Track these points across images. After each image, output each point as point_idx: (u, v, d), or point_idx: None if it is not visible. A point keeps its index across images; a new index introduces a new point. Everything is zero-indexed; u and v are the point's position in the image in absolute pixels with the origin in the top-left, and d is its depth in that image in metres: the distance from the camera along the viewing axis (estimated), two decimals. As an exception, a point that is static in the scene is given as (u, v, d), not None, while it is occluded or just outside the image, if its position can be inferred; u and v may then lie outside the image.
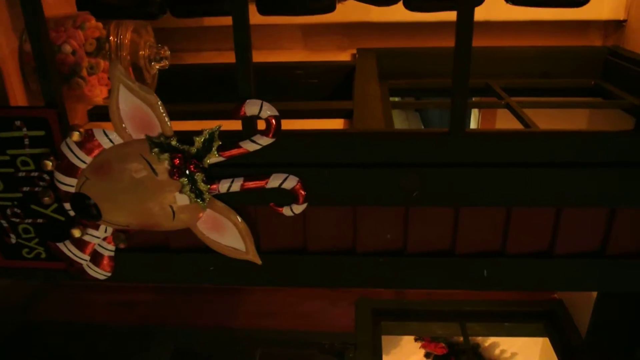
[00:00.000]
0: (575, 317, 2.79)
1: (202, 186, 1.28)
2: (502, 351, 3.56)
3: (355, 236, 1.41)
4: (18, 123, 1.30)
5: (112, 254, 1.43)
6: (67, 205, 1.36)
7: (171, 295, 3.06)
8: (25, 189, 1.38)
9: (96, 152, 1.29)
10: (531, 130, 1.43)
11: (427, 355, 3.59)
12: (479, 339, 3.52)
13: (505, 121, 2.07)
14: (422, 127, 3.52)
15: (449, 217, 1.37)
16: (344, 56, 2.27)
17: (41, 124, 1.30)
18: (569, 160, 1.23)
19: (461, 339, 3.16)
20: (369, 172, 1.28)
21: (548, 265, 1.38)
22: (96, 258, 1.43)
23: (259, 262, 1.38)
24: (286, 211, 1.32)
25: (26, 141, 1.32)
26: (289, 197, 1.29)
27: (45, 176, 1.35)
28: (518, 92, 2.05)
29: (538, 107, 1.93)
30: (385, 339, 3.00)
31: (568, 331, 2.76)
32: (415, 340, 3.59)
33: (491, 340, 3.55)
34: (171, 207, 1.32)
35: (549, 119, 1.85)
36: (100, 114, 1.74)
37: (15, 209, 1.40)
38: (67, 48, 1.51)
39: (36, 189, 1.37)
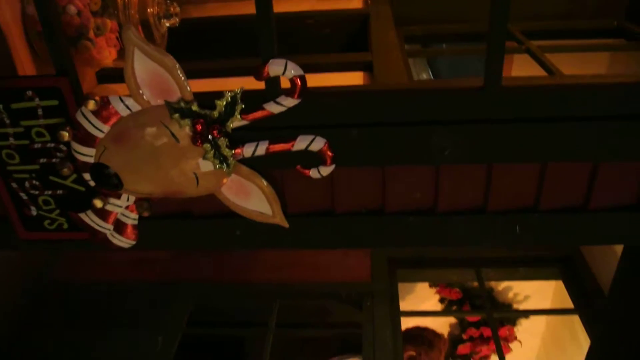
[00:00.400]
0: (592, 264, 2.79)
1: (226, 151, 1.23)
2: (516, 294, 3.61)
3: (383, 196, 1.37)
4: (29, 93, 1.24)
5: (136, 222, 1.40)
6: (87, 176, 1.32)
7: (189, 251, 3.07)
8: (42, 160, 1.33)
9: (113, 120, 1.24)
10: (576, 82, 1.32)
11: (441, 300, 3.64)
12: (493, 283, 3.56)
13: (525, 67, 1.99)
14: (430, 73, 3.42)
15: (481, 174, 1.33)
16: (355, 3, 2.17)
17: (54, 93, 1.24)
18: (611, 114, 1.17)
19: (476, 284, 3.19)
20: (398, 130, 1.23)
21: (583, 219, 1.35)
22: (120, 227, 1.40)
23: (286, 225, 1.34)
24: (313, 173, 1.28)
25: (39, 111, 1.27)
26: (316, 159, 1.25)
27: (62, 147, 1.30)
28: (536, 35, 1.96)
29: (559, 52, 1.85)
30: (401, 286, 3.02)
31: (583, 275, 2.78)
32: (430, 286, 3.64)
33: (505, 284, 3.59)
34: (195, 173, 1.28)
35: (567, 63, 1.77)
36: (110, 76, 1.67)
37: (34, 181, 1.36)
38: (72, 9, 1.42)
39: (53, 160, 1.32)
